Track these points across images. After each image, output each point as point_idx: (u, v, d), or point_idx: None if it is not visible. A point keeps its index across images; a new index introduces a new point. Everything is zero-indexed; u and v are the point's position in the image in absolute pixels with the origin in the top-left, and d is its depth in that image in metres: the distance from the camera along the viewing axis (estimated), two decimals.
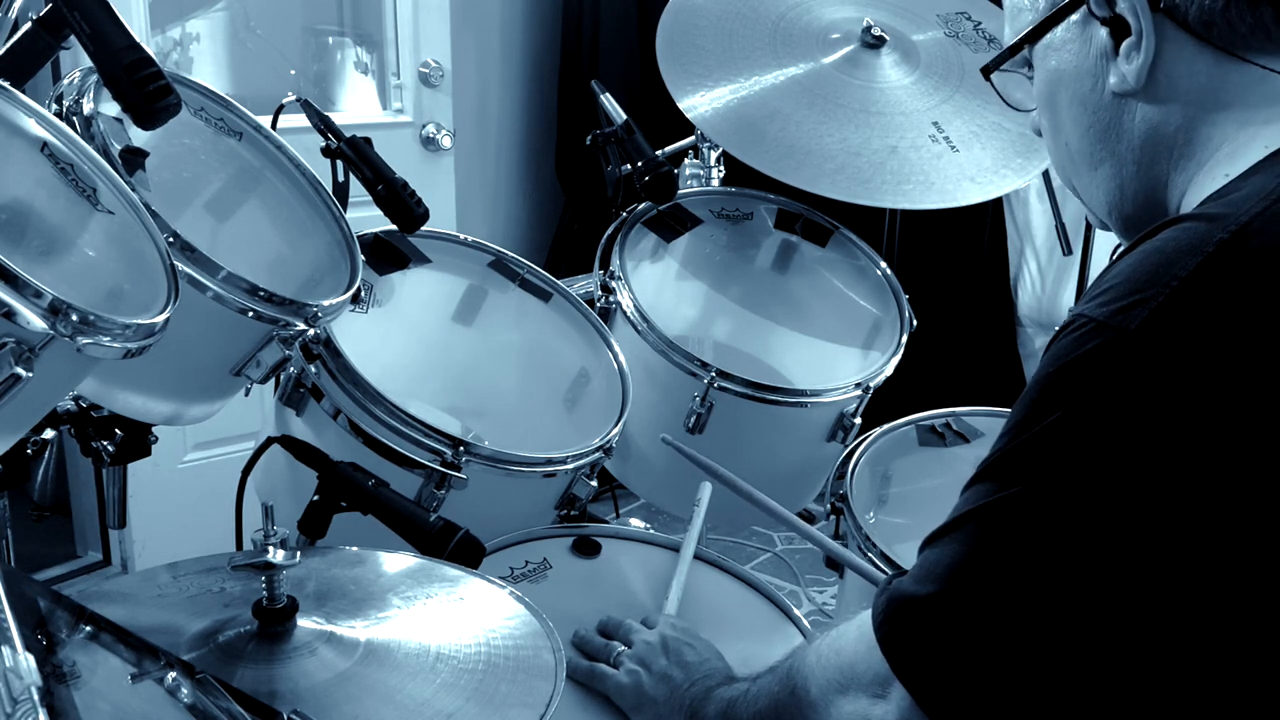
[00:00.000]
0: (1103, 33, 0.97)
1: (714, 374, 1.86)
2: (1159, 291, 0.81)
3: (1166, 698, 0.84)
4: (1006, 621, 0.84)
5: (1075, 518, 0.82)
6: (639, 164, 1.96)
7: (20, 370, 0.97)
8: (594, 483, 1.72)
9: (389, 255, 1.82)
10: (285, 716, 0.95)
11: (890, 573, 1.60)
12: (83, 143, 1.23)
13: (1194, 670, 0.83)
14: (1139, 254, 0.86)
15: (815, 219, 2.19)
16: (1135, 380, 0.80)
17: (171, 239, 1.27)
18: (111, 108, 1.29)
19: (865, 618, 0.94)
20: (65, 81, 1.36)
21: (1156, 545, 0.80)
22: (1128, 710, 0.85)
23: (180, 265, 1.26)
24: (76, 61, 1.34)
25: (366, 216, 1.70)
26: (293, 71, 3.27)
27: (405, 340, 1.89)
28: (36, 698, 0.77)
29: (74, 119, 1.31)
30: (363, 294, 1.69)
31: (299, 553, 1.12)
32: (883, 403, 2.04)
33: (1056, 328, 0.92)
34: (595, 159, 2.03)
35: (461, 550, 1.31)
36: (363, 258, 1.61)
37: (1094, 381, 0.82)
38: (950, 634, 0.86)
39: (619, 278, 1.94)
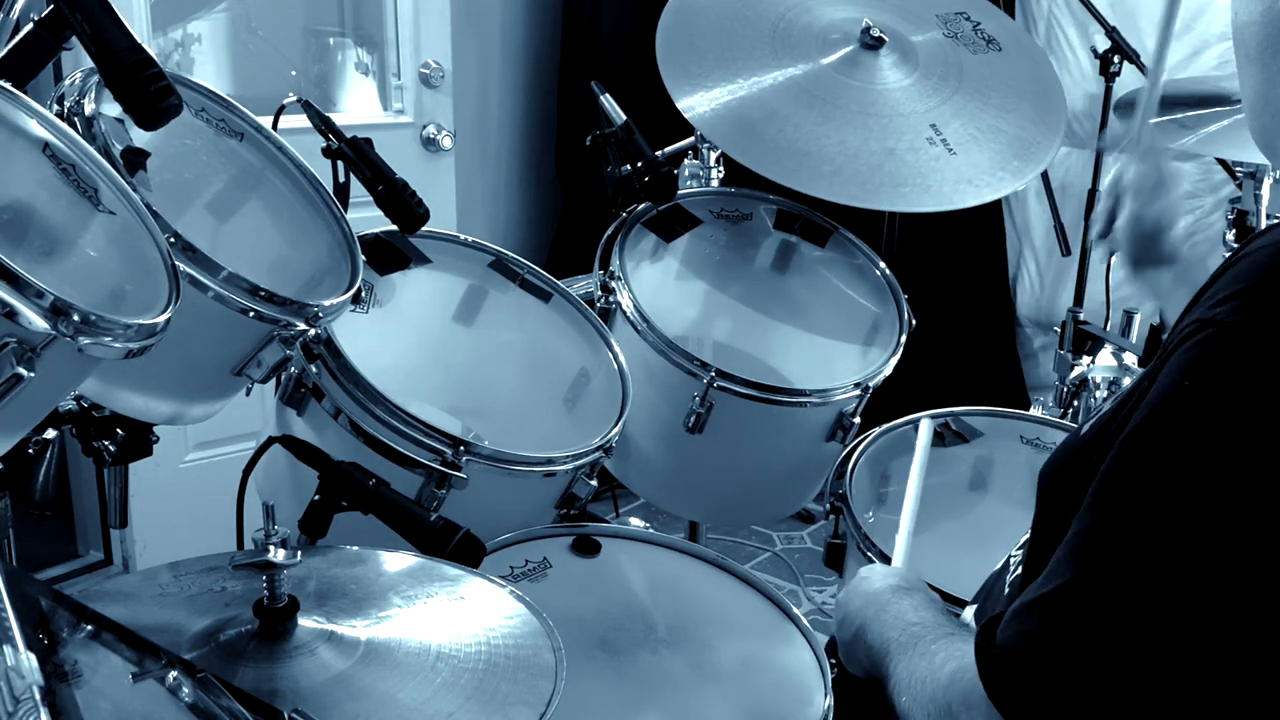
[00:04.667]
0: None
1: (714, 374, 1.86)
2: (1259, 285, 0.82)
3: None
4: (1132, 658, 0.81)
5: (1192, 539, 0.80)
6: (639, 164, 1.97)
7: (22, 370, 0.97)
8: (594, 482, 1.72)
9: (389, 255, 1.82)
10: (286, 715, 0.95)
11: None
12: (84, 143, 1.24)
13: None
14: (1247, 254, 0.86)
15: (814, 219, 2.19)
16: (1241, 372, 0.80)
17: (173, 239, 1.27)
18: (113, 108, 1.29)
19: (963, 661, 0.90)
20: (67, 82, 1.36)
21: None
22: None
23: (181, 265, 1.26)
24: (78, 62, 1.34)
25: (367, 217, 1.70)
26: (294, 72, 3.27)
27: (406, 340, 1.89)
28: (38, 696, 0.78)
29: (76, 120, 1.32)
30: (363, 294, 1.69)
31: (300, 552, 1.12)
32: (882, 403, 2.04)
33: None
34: (595, 159, 2.04)
35: (462, 549, 1.31)
36: (363, 258, 1.61)
37: (1201, 379, 0.82)
38: (1073, 679, 0.82)
39: (619, 278, 1.94)
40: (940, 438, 1.89)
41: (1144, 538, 0.82)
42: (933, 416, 1.90)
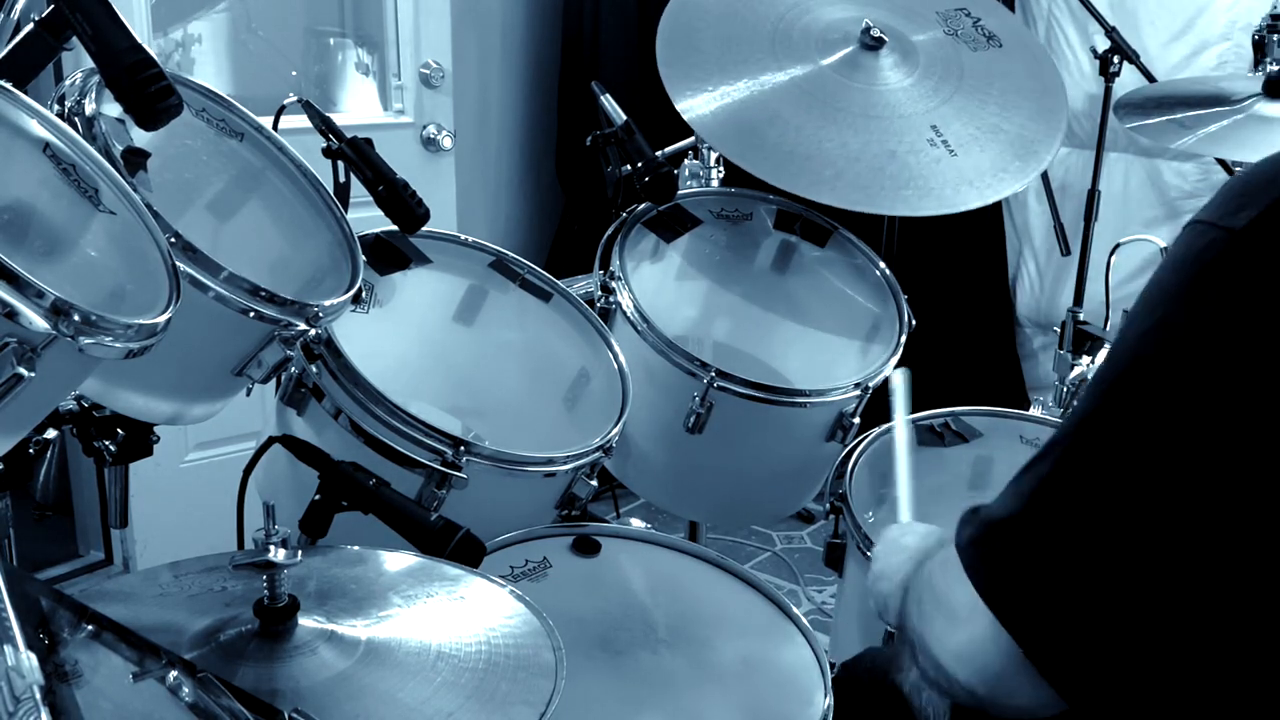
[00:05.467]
0: None
1: (714, 374, 1.86)
2: (1267, 198, 0.81)
3: (1261, 626, 0.82)
4: (1096, 539, 0.83)
5: (1177, 421, 0.80)
6: (639, 165, 1.97)
7: (22, 370, 0.98)
8: (594, 482, 1.72)
9: (390, 255, 1.83)
10: (286, 715, 0.95)
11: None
12: (85, 143, 1.24)
13: None
14: (1258, 162, 0.86)
15: (814, 219, 2.19)
16: (1243, 279, 0.80)
17: (173, 239, 1.27)
18: (113, 108, 1.29)
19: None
20: (67, 82, 1.36)
21: (1254, 451, 0.78)
22: (1215, 633, 0.83)
23: (182, 265, 1.26)
24: (78, 62, 1.34)
25: (367, 217, 1.70)
26: (294, 73, 3.27)
27: (406, 340, 1.90)
28: (39, 696, 0.78)
29: (76, 120, 1.32)
30: (364, 294, 1.69)
31: (300, 552, 1.12)
32: (882, 403, 2.04)
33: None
34: (595, 159, 2.04)
35: (462, 549, 1.32)
36: (364, 258, 1.61)
37: (1201, 280, 0.82)
38: (1035, 553, 0.85)
39: (619, 278, 1.94)
40: (939, 437, 1.89)
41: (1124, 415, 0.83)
42: (928, 417, 1.91)
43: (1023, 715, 0.90)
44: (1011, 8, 3.25)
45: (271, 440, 1.49)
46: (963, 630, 0.89)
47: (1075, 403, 0.88)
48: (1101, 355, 2.26)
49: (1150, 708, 0.86)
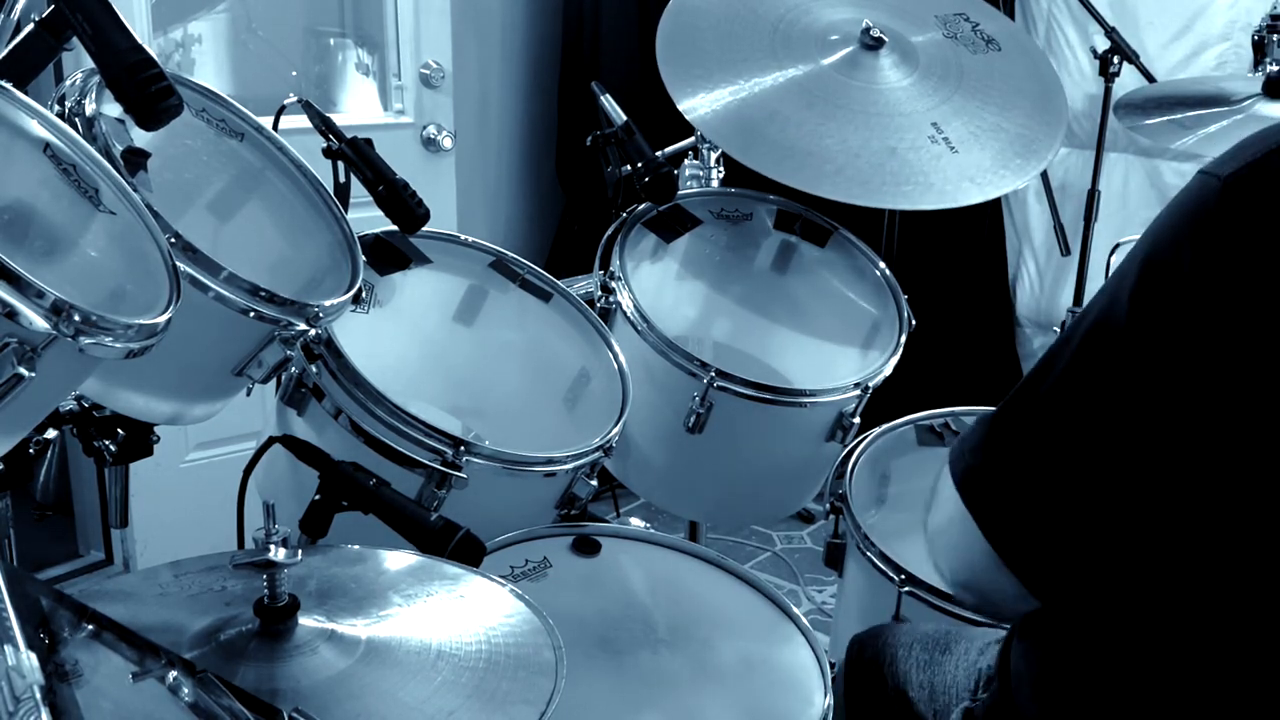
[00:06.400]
0: None
1: (713, 374, 1.86)
2: (1261, 149, 0.87)
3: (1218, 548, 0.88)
4: (1065, 446, 0.90)
5: (1154, 351, 0.86)
6: (639, 165, 1.97)
7: (23, 370, 0.98)
8: (594, 482, 1.72)
9: (390, 256, 1.83)
10: (287, 715, 0.95)
11: (892, 573, 1.60)
12: (85, 143, 1.24)
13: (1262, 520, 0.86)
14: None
15: (814, 219, 2.19)
16: (1229, 223, 0.84)
17: (173, 239, 1.27)
18: (114, 109, 1.29)
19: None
20: (68, 82, 1.36)
21: (1210, 387, 0.84)
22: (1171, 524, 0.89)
23: (182, 266, 1.26)
24: (79, 63, 1.34)
25: (367, 217, 1.70)
26: (294, 73, 3.27)
27: (406, 340, 1.90)
28: (39, 696, 0.78)
29: (76, 120, 1.32)
30: (364, 294, 1.69)
31: (300, 551, 1.12)
32: (882, 403, 2.04)
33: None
34: (595, 160, 2.04)
35: (462, 549, 1.32)
36: (364, 258, 1.61)
37: (1190, 221, 0.87)
38: (1007, 451, 0.94)
39: (619, 278, 1.94)
40: (939, 437, 1.89)
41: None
42: (928, 417, 1.91)
43: (1003, 610, 1.04)
44: (1011, 14, 3.25)
45: (272, 440, 1.49)
46: (942, 514, 0.99)
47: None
48: None
49: (1107, 605, 0.94)
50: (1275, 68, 2.12)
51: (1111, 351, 0.89)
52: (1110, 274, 0.94)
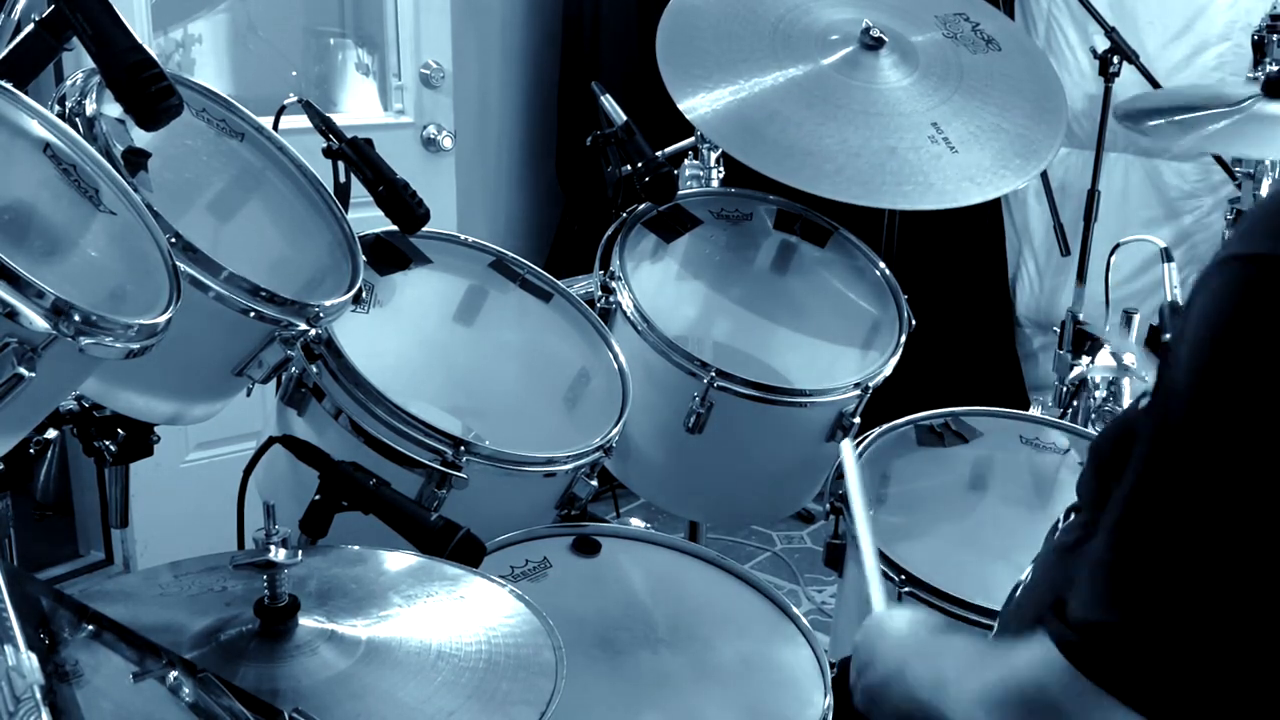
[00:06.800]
0: None
1: (713, 374, 1.86)
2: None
3: None
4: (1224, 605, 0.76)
5: (1259, 467, 0.75)
6: (639, 165, 1.97)
7: (23, 370, 0.98)
8: (594, 482, 1.73)
9: (390, 256, 1.83)
10: (287, 715, 0.95)
11: (892, 573, 1.59)
12: (85, 144, 1.24)
13: None
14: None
15: (814, 219, 2.19)
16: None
17: (174, 239, 1.27)
18: (114, 109, 1.29)
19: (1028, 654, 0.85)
20: (68, 83, 1.36)
21: None
22: None
23: (182, 266, 1.26)
24: (79, 63, 1.34)
25: (368, 217, 1.70)
26: (294, 73, 3.27)
27: (406, 340, 1.90)
28: (39, 696, 0.78)
29: (76, 120, 1.32)
30: (364, 294, 1.69)
31: (300, 552, 1.12)
32: (882, 403, 2.04)
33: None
34: (595, 160, 2.04)
35: (462, 549, 1.32)
36: (364, 258, 1.61)
37: (1253, 313, 0.77)
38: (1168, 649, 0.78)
39: (619, 278, 1.94)
40: (939, 437, 1.89)
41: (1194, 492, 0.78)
42: (928, 417, 1.90)
43: None
44: (1011, 14, 3.25)
45: (272, 440, 1.49)
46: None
47: (1131, 463, 0.82)
48: (1102, 354, 2.26)
49: None
50: (1275, 68, 2.13)
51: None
52: (1158, 418, 0.82)
